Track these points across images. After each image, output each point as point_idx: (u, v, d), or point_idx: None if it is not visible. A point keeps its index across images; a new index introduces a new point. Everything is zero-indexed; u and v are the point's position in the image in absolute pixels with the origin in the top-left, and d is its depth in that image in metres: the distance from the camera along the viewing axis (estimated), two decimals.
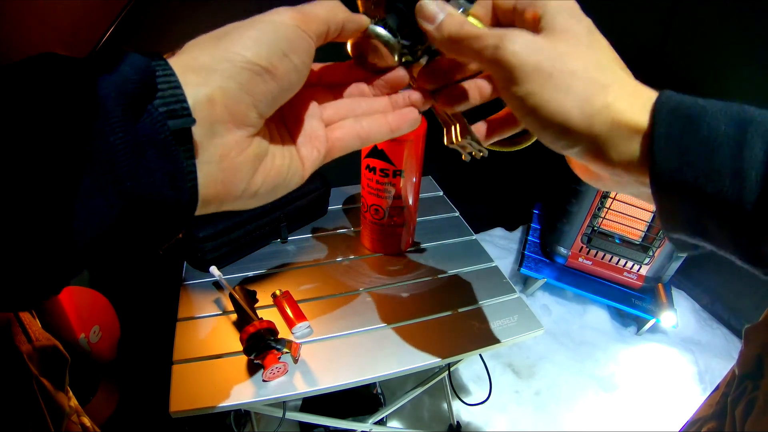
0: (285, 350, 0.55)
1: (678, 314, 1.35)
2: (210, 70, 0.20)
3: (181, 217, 0.20)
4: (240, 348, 0.54)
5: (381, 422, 0.95)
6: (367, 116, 0.29)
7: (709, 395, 0.33)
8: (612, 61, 0.25)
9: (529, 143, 0.33)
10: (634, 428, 1.15)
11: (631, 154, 0.23)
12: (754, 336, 0.29)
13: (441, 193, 0.97)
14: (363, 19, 0.27)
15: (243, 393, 0.53)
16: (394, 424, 1.08)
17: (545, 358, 1.31)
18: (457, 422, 1.06)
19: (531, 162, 1.67)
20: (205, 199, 0.21)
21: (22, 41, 0.77)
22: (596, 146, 0.24)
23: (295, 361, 0.56)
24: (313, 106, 0.28)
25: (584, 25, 0.25)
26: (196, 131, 0.20)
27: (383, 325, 0.64)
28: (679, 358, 1.34)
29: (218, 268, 0.65)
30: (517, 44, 0.24)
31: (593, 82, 0.23)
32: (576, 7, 0.25)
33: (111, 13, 0.96)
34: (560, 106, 0.23)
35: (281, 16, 0.23)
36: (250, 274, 0.72)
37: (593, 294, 1.37)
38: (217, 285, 0.68)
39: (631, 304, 1.34)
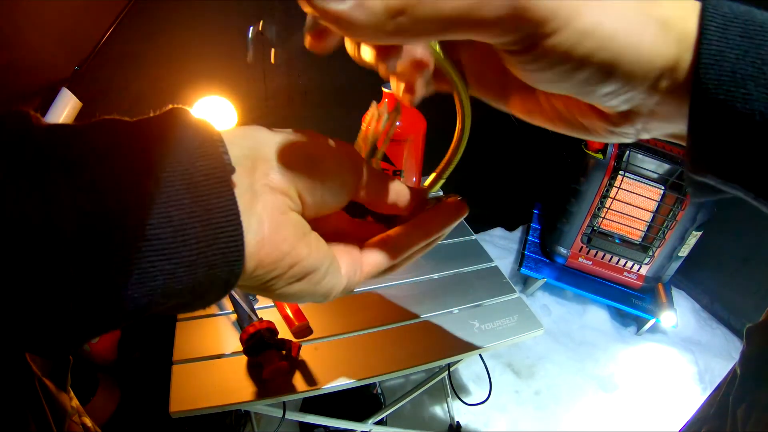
0: (285, 350, 0.55)
1: (678, 314, 1.35)
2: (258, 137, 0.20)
3: (229, 274, 0.19)
4: (240, 348, 0.54)
5: (381, 422, 0.95)
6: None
7: (710, 395, 0.33)
8: None
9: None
10: (634, 428, 1.15)
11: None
12: (756, 335, 0.29)
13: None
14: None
15: (243, 393, 0.53)
16: (394, 424, 1.08)
17: (545, 358, 1.31)
18: (457, 422, 1.06)
19: (531, 162, 1.68)
20: (251, 252, 0.19)
21: (21, 41, 0.77)
22: (663, 74, 0.18)
23: (295, 361, 0.56)
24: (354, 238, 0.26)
25: None
26: (239, 189, 0.18)
27: (383, 325, 0.63)
28: (679, 358, 1.34)
29: None
30: None
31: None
32: None
33: (111, 13, 0.96)
34: (626, 38, 0.18)
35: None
36: None
37: (593, 294, 1.37)
38: None
39: (631, 304, 1.34)
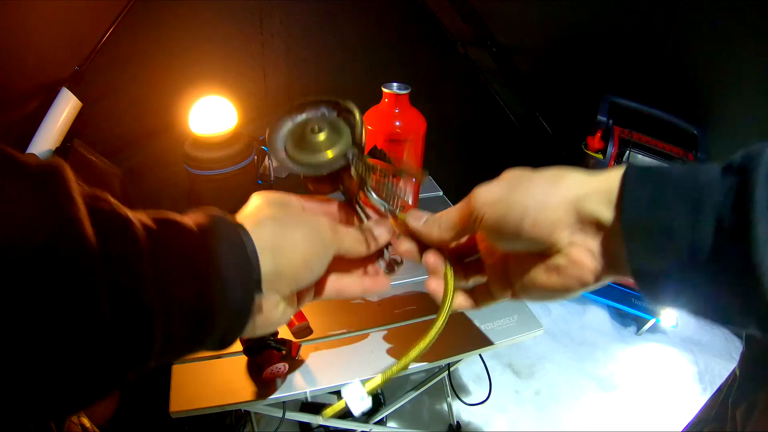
0: (285, 350, 0.55)
1: (678, 314, 1.35)
2: (279, 255, 0.28)
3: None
4: (240, 348, 0.54)
5: (381, 422, 0.95)
6: (348, 275, 0.36)
7: (711, 397, 0.33)
8: None
9: None
10: (634, 428, 1.15)
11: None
12: (756, 338, 0.29)
13: (441, 193, 0.97)
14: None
15: (243, 393, 0.53)
16: (394, 424, 1.08)
17: (545, 358, 1.31)
18: (457, 422, 1.06)
19: (531, 162, 1.67)
20: (248, 331, 0.28)
21: (22, 41, 0.77)
22: (587, 222, 0.26)
23: (295, 361, 0.56)
24: None
25: None
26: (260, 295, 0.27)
27: (383, 325, 0.63)
28: (679, 358, 1.34)
29: None
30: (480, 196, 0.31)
31: (548, 177, 0.29)
32: None
33: (111, 13, 0.95)
34: (527, 218, 0.27)
35: (324, 229, 0.31)
36: None
37: (593, 294, 1.37)
38: None
39: (631, 304, 1.34)
